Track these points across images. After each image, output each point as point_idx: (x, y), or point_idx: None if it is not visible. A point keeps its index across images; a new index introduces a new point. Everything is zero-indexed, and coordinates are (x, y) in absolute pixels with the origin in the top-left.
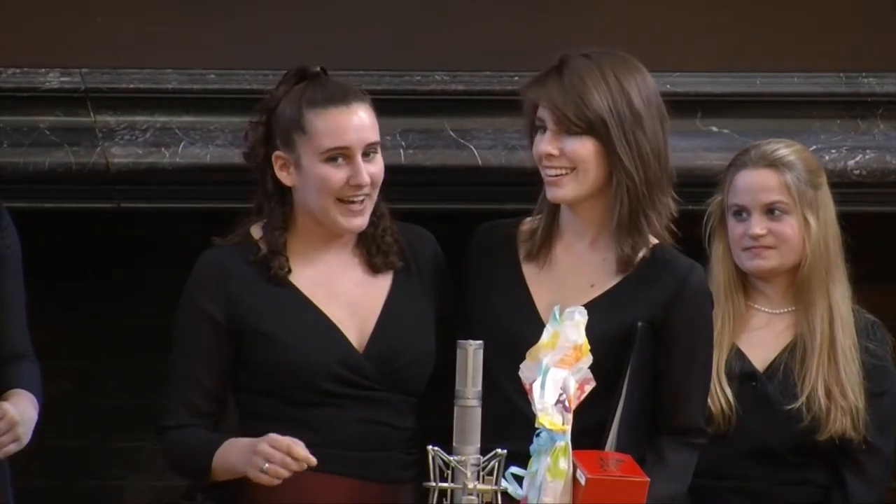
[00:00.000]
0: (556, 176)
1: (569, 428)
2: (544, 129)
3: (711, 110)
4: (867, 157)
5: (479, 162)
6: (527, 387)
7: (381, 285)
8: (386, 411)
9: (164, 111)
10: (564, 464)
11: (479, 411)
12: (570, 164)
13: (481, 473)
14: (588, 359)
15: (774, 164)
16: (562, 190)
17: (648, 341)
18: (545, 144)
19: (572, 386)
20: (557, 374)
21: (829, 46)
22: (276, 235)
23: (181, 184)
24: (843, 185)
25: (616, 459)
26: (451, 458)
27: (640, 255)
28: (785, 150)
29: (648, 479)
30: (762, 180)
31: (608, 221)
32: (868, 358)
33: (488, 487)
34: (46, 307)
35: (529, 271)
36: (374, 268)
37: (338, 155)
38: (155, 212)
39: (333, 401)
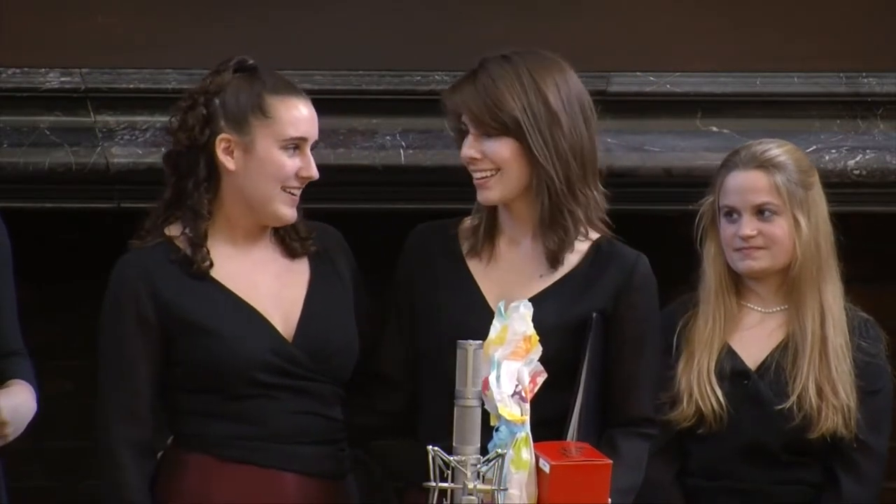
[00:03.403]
0: (483, 178)
1: (527, 418)
2: (468, 133)
3: (711, 110)
4: (867, 157)
5: None
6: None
7: (300, 276)
8: (317, 401)
9: (164, 111)
10: (527, 454)
11: (479, 411)
12: (493, 165)
13: (481, 473)
14: (538, 350)
15: (764, 165)
16: (490, 192)
17: (602, 331)
18: (467, 148)
19: (526, 377)
20: (511, 366)
21: (829, 46)
22: (198, 224)
23: None
24: (843, 185)
25: (576, 447)
26: (451, 458)
27: (585, 247)
28: (776, 150)
29: (611, 462)
30: (752, 181)
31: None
32: (861, 356)
33: (488, 487)
34: (46, 307)
35: (475, 268)
36: (291, 254)
37: (295, 144)
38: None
39: (267, 392)
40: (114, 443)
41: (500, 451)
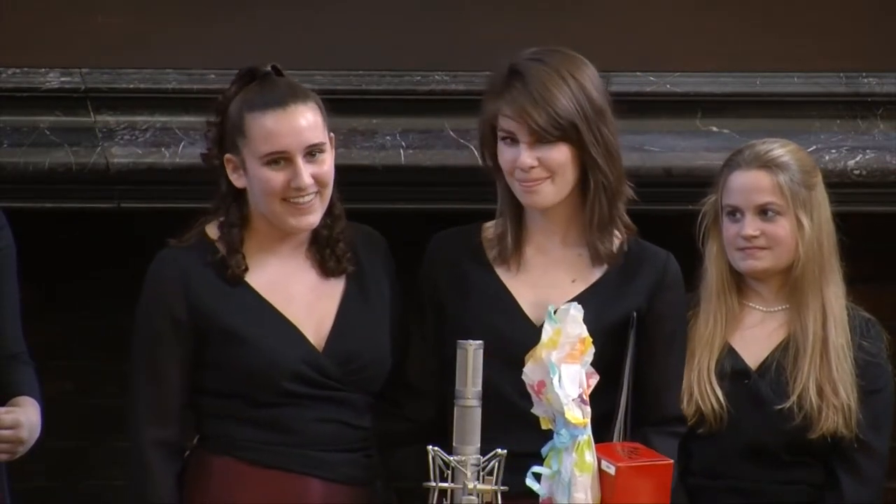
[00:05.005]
0: (535, 183)
1: (588, 421)
2: (512, 139)
3: (711, 110)
4: (867, 157)
5: (480, 162)
6: (532, 388)
7: (335, 289)
8: (346, 410)
9: (164, 111)
10: (590, 457)
11: (478, 411)
12: (548, 172)
13: (481, 473)
14: (591, 351)
15: (768, 164)
16: (540, 196)
17: (638, 330)
18: (525, 157)
19: (585, 379)
20: (571, 370)
21: (829, 46)
22: (233, 233)
23: (181, 184)
24: (843, 185)
25: (629, 449)
26: (451, 458)
27: (615, 246)
28: (779, 150)
29: (673, 461)
30: (755, 181)
31: (577, 218)
32: (862, 355)
33: (488, 487)
34: (46, 307)
35: (504, 275)
36: (326, 272)
37: (277, 158)
38: (155, 212)
39: (295, 400)
40: (142, 443)
41: (499, 451)
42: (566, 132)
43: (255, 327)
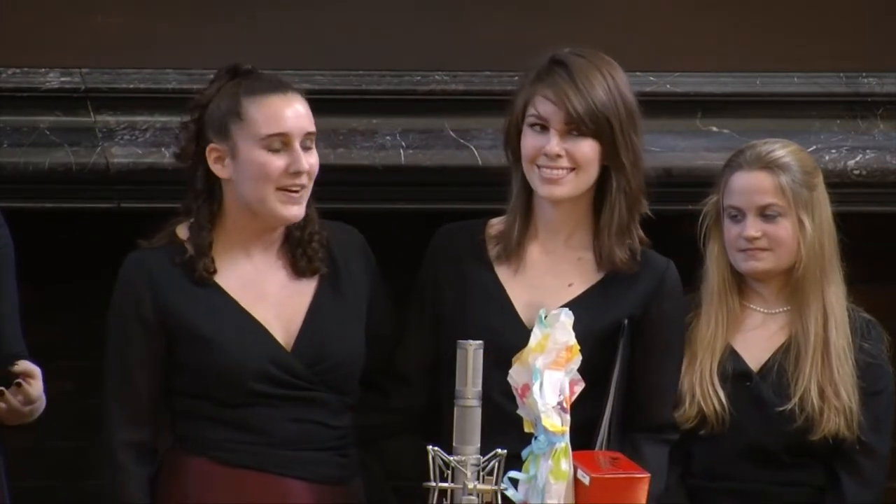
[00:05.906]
0: (557, 175)
1: (567, 429)
2: (542, 127)
3: (711, 110)
4: (867, 157)
5: (479, 162)
6: (517, 391)
7: (306, 288)
8: (318, 410)
9: (164, 111)
10: (566, 465)
11: (479, 411)
12: (572, 164)
13: (481, 473)
14: (578, 359)
15: (769, 165)
16: (560, 188)
17: (631, 338)
18: (554, 145)
19: (567, 387)
20: (553, 376)
21: (829, 46)
22: (202, 235)
23: (181, 184)
24: (843, 185)
25: (610, 458)
26: (451, 458)
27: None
28: (780, 150)
29: (650, 475)
30: (757, 182)
31: (586, 221)
32: (863, 357)
33: (488, 487)
34: (46, 307)
35: (503, 273)
36: (298, 272)
37: (276, 141)
38: (155, 212)
39: (265, 401)
40: (114, 444)
41: (499, 451)
42: (600, 127)
43: (222, 327)
